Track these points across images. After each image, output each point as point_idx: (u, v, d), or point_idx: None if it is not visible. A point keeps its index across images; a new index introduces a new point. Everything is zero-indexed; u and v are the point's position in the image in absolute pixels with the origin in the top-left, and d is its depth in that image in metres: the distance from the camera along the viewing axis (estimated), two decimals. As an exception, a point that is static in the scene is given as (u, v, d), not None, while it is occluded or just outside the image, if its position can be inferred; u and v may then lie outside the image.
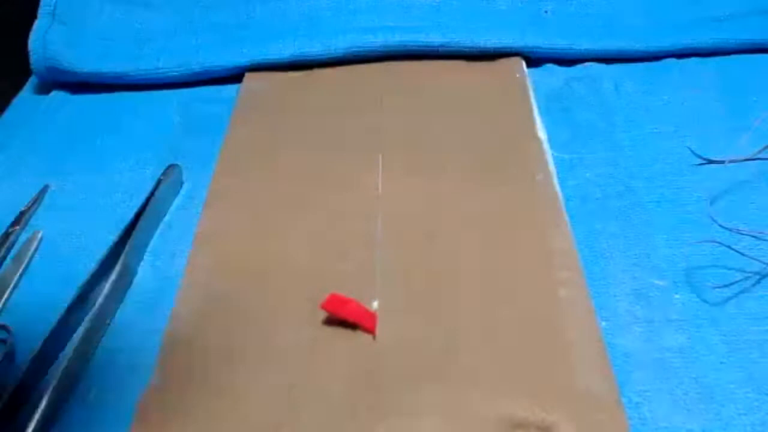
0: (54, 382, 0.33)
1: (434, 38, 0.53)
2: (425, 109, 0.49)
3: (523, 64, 0.53)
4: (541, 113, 0.49)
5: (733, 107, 0.48)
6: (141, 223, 0.41)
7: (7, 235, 0.43)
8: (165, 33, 0.58)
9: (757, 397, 0.32)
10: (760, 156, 0.44)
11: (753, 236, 0.39)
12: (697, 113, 0.48)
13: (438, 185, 0.43)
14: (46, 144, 0.51)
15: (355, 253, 0.39)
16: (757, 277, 0.37)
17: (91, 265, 0.39)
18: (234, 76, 0.55)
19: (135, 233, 0.41)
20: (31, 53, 0.55)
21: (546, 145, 0.46)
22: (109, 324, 0.38)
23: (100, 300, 0.37)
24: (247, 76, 0.54)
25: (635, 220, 0.41)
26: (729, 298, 0.36)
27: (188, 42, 0.57)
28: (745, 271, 0.37)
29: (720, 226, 0.40)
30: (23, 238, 0.44)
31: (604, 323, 0.35)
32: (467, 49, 0.53)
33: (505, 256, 0.38)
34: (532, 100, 0.49)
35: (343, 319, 0.35)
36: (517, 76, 0.52)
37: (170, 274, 0.40)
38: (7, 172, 0.49)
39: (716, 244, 0.38)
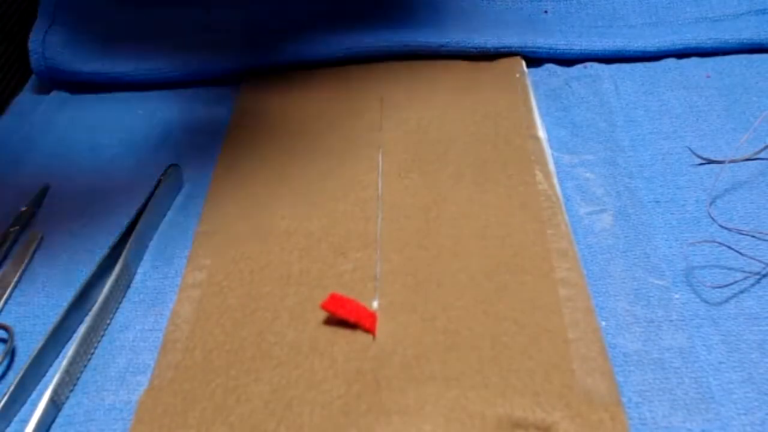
0: (54, 382, 0.34)
1: (434, 38, 0.53)
2: (425, 109, 0.49)
3: (523, 64, 0.53)
4: (541, 113, 0.49)
5: (733, 107, 0.48)
6: (141, 223, 0.41)
7: (7, 235, 0.43)
8: (165, 33, 0.58)
9: (757, 397, 0.32)
10: (760, 156, 0.44)
11: (753, 236, 0.39)
12: (697, 113, 0.48)
13: (438, 185, 0.43)
14: (46, 144, 0.51)
15: (355, 253, 0.39)
16: (757, 277, 0.37)
17: (91, 265, 0.39)
18: (234, 76, 0.55)
19: (135, 233, 0.41)
20: (31, 53, 0.55)
21: (546, 145, 0.46)
22: (109, 324, 0.38)
23: (100, 300, 0.37)
24: (247, 77, 0.54)
25: (635, 220, 0.41)
26: (728, 298, 0.36)
27: (188, 42, 0.57)
28: (744, 271, 0.37)
29: (720, 226, 0.40)
30: (23, 238, 0.44)
31: (604, 323, 0.35)
32: (467, 49, 0.53)
33: (505, 255, 0.38)
34: (532, 100, 0.49)
35: (343, 319, 0.35)
36: (517, 76, 0.52)
37: (170, 274, 0.40)
38: (7, 172, 0.49)
39: (716, 244, 0.39)
